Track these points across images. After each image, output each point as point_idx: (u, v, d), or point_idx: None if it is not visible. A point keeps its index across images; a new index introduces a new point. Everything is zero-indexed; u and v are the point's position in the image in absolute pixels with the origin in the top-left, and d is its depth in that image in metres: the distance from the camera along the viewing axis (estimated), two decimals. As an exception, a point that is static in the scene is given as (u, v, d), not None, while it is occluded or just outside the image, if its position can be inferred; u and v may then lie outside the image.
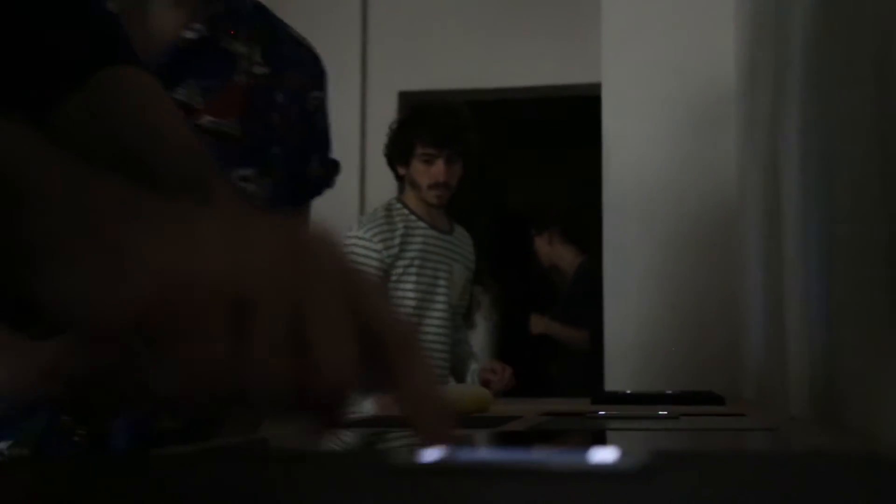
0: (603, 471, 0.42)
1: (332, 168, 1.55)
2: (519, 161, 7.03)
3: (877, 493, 0.40)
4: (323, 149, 1.48)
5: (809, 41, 1.47)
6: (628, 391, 2.31)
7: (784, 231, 1.78)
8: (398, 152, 2.74)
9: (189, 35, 1.25)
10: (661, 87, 3.06)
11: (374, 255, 2.60)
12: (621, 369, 3.00)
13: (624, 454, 0.44)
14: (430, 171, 2.67)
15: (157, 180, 0.78)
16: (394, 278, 2.61)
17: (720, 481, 0.43)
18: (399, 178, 2.78)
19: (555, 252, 4.42)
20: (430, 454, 0.44)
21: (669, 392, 2.18)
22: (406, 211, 2.72)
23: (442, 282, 2.70)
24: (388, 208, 2.72)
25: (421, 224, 2.71)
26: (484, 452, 0.46)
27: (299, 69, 1.39)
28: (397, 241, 2.64)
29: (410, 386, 0.46)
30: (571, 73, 4.13)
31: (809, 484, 0.43)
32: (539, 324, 4.33)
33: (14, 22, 0.77)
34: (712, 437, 1.00)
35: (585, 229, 4.17)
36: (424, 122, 2.68)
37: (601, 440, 0.96)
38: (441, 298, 2.70)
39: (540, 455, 0.44)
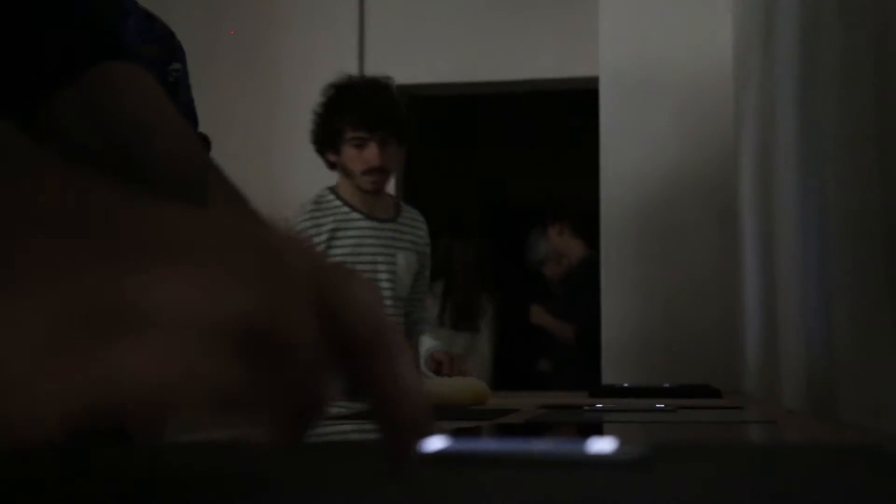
0: (602, 461, 0.43)
1: (202, 143, 1.55)
2: (516, 154, 7.03)
3: (876, 484, 0.40)
4: (189, 122, 1.49)
5: (804, 29, 1.47)
6: (625, 384, 2.31)
7: (779, 225, 1.78)
8: (326, 139, 2.49)
9: None
10: (658, 79, 3.06)
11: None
12: (618, 363, 3.00)
13: (622, 445, 0.44)
14: (363, 156, 2.43)
15: (152, 180, 0.77)
16: None
17: (718, 472, 0.43)
18: (331, 165, 2.55)
19: (564, 243, 4.50)
20: (430, 444, 0.44)
21: (666, 385, 2.18)
22: (338, 202, 2.50)
23: (383, 275, 2.48)
24: (318, 202, 2.51)
25: (355, 215, 2.49)
26: (484, 443, 0.46)
27: (153, 41, 1.40)
28: (324, 237, 2.44)
29: (389, 384, 0.43)
30: (569, 66, 4.13)
31: (808, 475, 0.43)
32: (537, 314, 4.39)
33: (11, 16, 0.77)
34: (710, 429, 1.00)
35: (595, 226, 4.22)
36: (351, 103, 2.44)
37: (599, 432, 0.96)
38: (385, 293, 2.46)
39: (539, 445, 0.44)
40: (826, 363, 1.30)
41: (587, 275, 3.86)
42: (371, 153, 2.42)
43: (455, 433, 0.52)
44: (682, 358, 2.92)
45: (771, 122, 1.95)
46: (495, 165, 7.10)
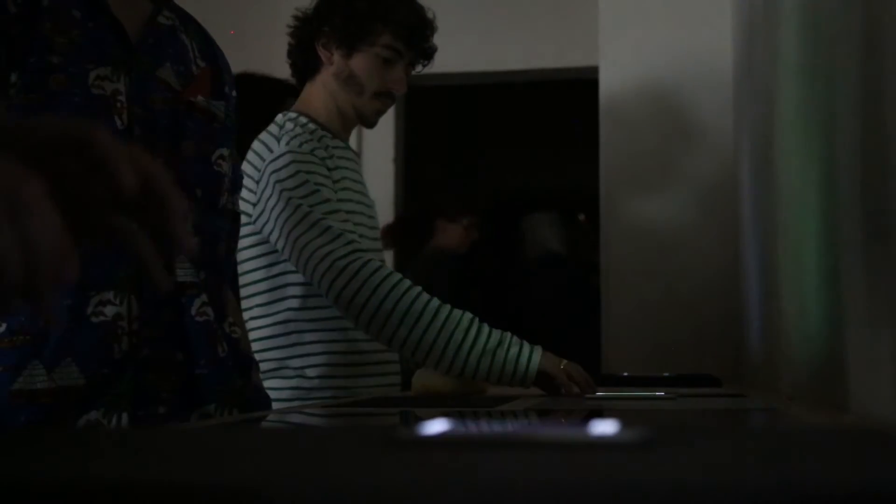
0: (604, 443, 0.43)
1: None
2: (515, 144, 7.02)
3: (875, 464, 0.40)
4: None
5: (806, 20, 1.47)
6: (626, 374, 2.32)
7: (780, 215, 1.78)
8: (349, 31, 1.86)
9: (163, 21, 1.29)
10: (658, 69, 3.06)
11: (323, 170, 1.80)
12: (618, 353, 3.00)
13: (624, 427, 0.45)
14: (389, 74, 1.87)
15: None
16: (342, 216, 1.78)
17: (719, 453, 0.43)
18: (307, 70, 1.92)
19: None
20: (433, 427, 0.45)
21: (667, 374, 2.18)
22: (313, 126, 1.85)
23: (376, 220, 1.95)
24: (296, 122, 1.84)
25: (338, 142, 1.88)
26: (488, 427, 0.47)
27: (226, 70, 1.42)
28: (329, 162, 1.82)
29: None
30: (569, 57, 4.13)
31: (808, 457, 0.43)
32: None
33: None
34: (711, 415, 1.01)
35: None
36: (404, 7, 1.91)
37: (601, 417, 0.96)
38: (378, 246, 1.94)
39: (542, 429, 0.45)
40: (826, 353, 1.31)
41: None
42: (398, 74, 1.88)
43: (458, 418, 0.53)
44: (682, 349, 2.92)
45: (771, 111, 1.95)
46: (494, 155, 7.10)
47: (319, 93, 1.90)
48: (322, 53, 1.88)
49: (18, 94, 1.13)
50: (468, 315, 1.65)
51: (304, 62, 1.92)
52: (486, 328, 1.64)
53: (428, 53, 1.94)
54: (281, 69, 2.01)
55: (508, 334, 1.65)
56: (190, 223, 0.59)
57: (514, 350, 1.63)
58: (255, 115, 1.91)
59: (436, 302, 1.65)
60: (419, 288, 1.67)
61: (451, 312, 1.64)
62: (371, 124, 1.95)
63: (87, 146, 0.54)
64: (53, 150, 0.54)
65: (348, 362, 1.84)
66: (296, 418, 1.22)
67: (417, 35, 1.90)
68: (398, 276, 1.67)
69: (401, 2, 1.91)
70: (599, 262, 3.17)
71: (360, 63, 1.87)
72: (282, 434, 0.63)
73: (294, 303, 1.81)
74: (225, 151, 1.34)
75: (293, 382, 1.81)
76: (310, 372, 1.81)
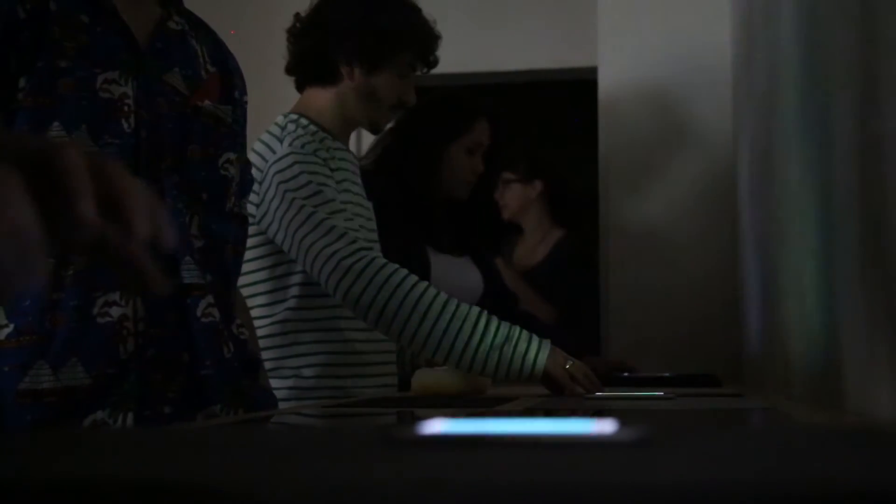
0: (602, 441, 0.43)
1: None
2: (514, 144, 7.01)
3: (875, 465, 0.40)
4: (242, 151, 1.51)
5: (805, 21, 1.48)
6: (625, 373, 2.32)
7: (779, 216, 1.78)
8: (373, 51, 1.90)
9: (173, 26, 1.30)
10: (658, 69, 3.06)
11: (326, 170, 1.84)
12: (618, 353, 3.00)
13: (623, 426, 0.45)
14: (404, 89, 1.95)
15: None
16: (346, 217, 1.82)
17: (716, 451, 0.44)
18: (323, 75, 1.94)
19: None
20: (432, 426, 0.45)
21: (667, 374, 2.18)
22: (314, 128, 1.89)
23: (374, 222, 1.98)
24: (297, 124, 1.88)
25: (339, 144, 1.93)
26: (488, 425, 0.47)
27: (237, 75, 1.44)
28: (337, 177, 1.87)
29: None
30: (568, 57, 4.13)
31: (805, 455, 0.43)
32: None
33: None
34: (709, 414, 1.01)
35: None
36: (423, 29, 1.97)
37: (600, 416, 0.96)
38: (379, 246, 1.94)
39: (542, 427, 0.45)
40: (825, 352, 1.31)
41: (562, 257, 3.75)
42: (411, 87, 1.97)
43: (458, 417, 0.53)
44: (682, 349, 2.92)
45: (771, 110, 1.95)
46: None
47: (329, 100, 1.93)
48: (344, 69, 1.91)
49: (27, 97, 1.14)
50: (476, 309, 1.64)
51: (317, 69, 1.94)
52: (494, 323, 1.63)
53: (434, 64, 2.01)
54: (280, 69, 2.02)
55: (517, 329, 1.64)
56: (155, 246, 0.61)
57: (521, 347, 1.62)
58: None
59: (443, 296, 1.64)
60: (426, 283, 1.66)
61: (458, 307, 1.63)
62: (379, 132, 2.06)
63: (52, 166, 0.54)
64: (24, 164, 0.55)
65: (345, 363, 1.84)
66: (296, 418, 1.22)
67: (431, 51, 1.98)
68: (404, 271, 1.67)
69: (419, 21, 1.98)
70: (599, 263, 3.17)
71: (382, 81, 1.92)
72: (282, 434, 0.63)
73: (293, 303, 1.82)
74: (232, 155, 1.35)
75: (290, 382, 1.82)
76: (306, 372, 1.82)
